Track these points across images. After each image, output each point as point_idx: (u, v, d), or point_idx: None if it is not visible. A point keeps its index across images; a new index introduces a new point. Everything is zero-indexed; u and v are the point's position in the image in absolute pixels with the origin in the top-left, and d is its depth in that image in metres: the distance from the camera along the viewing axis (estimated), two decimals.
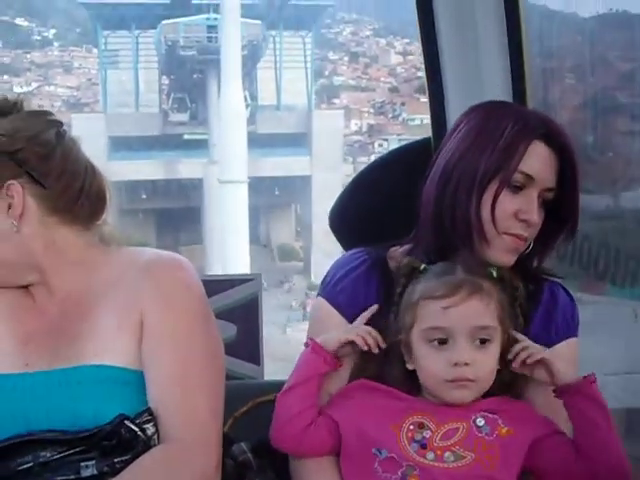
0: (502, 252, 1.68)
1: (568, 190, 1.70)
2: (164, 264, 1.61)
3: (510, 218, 1.67)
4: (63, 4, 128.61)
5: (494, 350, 1.63)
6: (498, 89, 2.05)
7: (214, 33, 38.58)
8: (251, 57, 42.32)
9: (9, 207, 1.59)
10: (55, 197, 1.61)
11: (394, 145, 76.92)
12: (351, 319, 1.70)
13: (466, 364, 1.59)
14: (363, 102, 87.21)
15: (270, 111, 46.65)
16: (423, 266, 1.65)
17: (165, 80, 47.33)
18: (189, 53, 40.44)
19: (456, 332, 1.58)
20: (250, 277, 2.48)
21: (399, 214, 1.76)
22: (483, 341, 1.61)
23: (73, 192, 1.63)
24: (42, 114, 1.67)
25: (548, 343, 1.73)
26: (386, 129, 76.01)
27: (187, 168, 42.64)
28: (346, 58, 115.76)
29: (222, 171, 33.82)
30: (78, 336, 1.57)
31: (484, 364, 1.62)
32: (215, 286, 2.16)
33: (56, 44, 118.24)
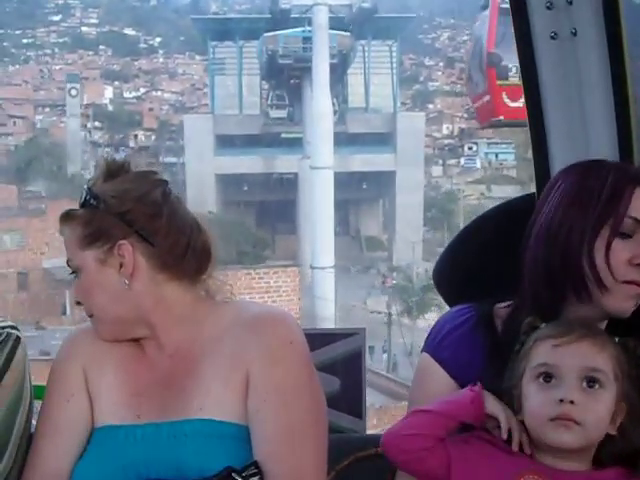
0: (622, 300, 1.68)
1: None
2: (269, 320, 1.64)
3: (625, 265, 1.67)
4: (168, 14, 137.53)
5: (605, 398, 1.56)
6: (604, 145, 2.02)
7: (309, 44, 44.20)
8: (341, 65, 48.62)
9: (121, 266, 1.67)
10: (163, 254, 1.69)
11: (483, 149, 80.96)
12: (455, 375, 1.72)
13: (572, 402, 1.54)
14: (457, 107, 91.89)
15: (359, 113, 52.83)
16: (543, 324, 1.64)
17: (265, 85, 54.03)
18: (287, 62, 47.13)
19: (565, 370, 1.56)
20: (354, 331, 2.50)
21: (504, 270, 1.77)
22: (592, 384, 1.56)
23: (180, 249, 1.70)
24: (148, 174, 1.77)
25: None
26: (477, 133, 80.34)
27: (284, 163, 48.94)
28: (442, 63, 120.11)
29: (313, 160, 39.81)
30: (186, 390, 1.63)
31: (592, 408, 1.55)
32: (319, 339, 2.22)
33: (161, 52, 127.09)
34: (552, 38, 2.11)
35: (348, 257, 49.91)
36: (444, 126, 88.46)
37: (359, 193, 54.84)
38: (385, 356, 34.00)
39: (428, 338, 1.80)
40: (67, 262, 1.74)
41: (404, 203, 50.34)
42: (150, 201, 1.72)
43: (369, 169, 50.70)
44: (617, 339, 1.64)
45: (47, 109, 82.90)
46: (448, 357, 1.73)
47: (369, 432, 2.46)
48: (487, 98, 18.49)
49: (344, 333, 2.49)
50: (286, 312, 1.73)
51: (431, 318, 37.69)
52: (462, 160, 78.97)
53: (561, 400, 1.55)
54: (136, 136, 75.45)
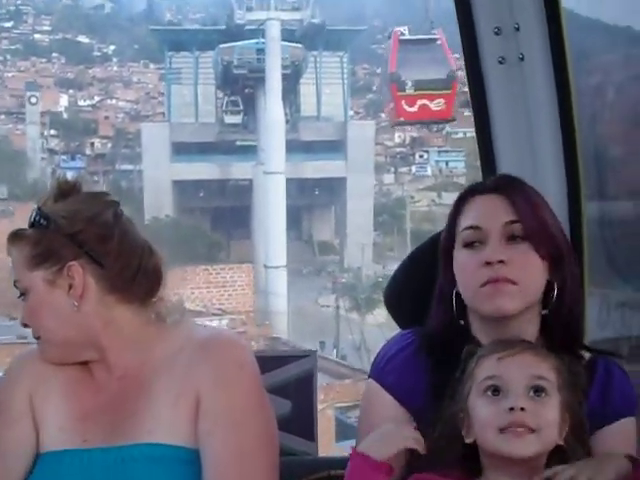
0: (485, 302, 1.71)
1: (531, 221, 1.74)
2: (220, 343, 1.64)
3: (474, 271, 1.72)
4: (122, 22, 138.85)
5: (552, 405, 1.59)
6: (550, 163, 2.13)
7: (262, 55, 47.36)
8: (294, 75, 51.20)
9: (70, 287, 1.64)
10: (114, 276, 1.66)
11: (434, 157, 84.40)
12: (401, 399, 1.72)
13: (522, 409, 1.56)
14: None
15: (311, 121, 55.33)
16: (479, 349, 1.67)
17: (220, 94, 56.14)
18: (241, 72, 49.23)
19: (511, 380, 1.58)
20: (305, 354, 2.53)
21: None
22: (539, 393, 1.59)
23: (130, 271, 1.67)
24: (100, 195, 1.73)
25: (604, 420, 1.75)
26: (428, 142, 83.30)
27: (239, 170, 51.13)
28: None
29: (266, 166, 42.35)
30: (134, 414, 1.61)
31: (543, 414, 1.57)
32: (270, 362, 2.23)
33: (115, 60, 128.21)
34: (500, 63, 2.20)
35: (301, 260, 52.22)
36: (396, 135, 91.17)
37: (312, 199, 57.21)
38: (335, 351, 36.48)
39: (373, 364, 1.83)
40: (14, 283, 1.72)
41: (355, 209, 52.96)
42: (101, 222, 1.71)
43: (321, 176, 53.15)
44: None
45: (2, 116, 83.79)
46: (393, 382, 1.74)
47: (321, 448, 2.49)
48: (392, 105, 28.05)
49: (295, 355, 2.49)
50: (237, 335, 1.77)
51: (379, 314, 40.60)
52: (413, 168, 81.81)
53: (511, 409, 1.56)
54: (92, 144, 76.83)
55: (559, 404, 1.63)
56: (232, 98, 52.60)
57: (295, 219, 56.23)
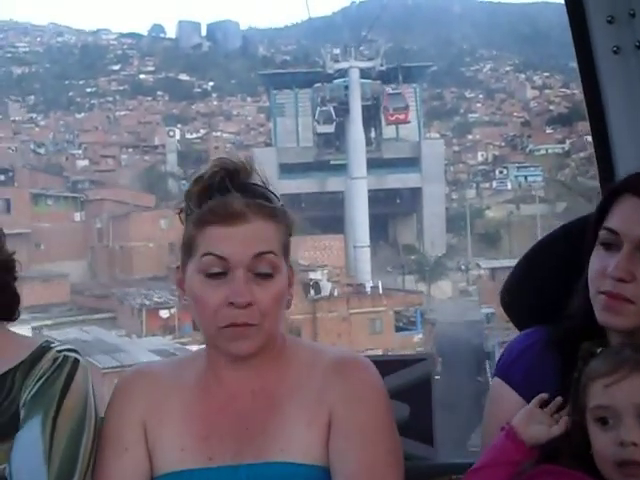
0: (599, 311, 1.72)
1: None
2: (351, 364, 1.72)
3: (599, 276, 1.73)
4: (218, 58, 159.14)
5: None
6: None
7: (348, 91, 65.54)
8: (374, 106, 69.06)
9: None
10: None
11: (513, 172, 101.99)
12: (528, 398, 1.75)
13: (634, 444, 1.55)
14: (495, 136, 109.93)
15: (391, 142, 72.69)
16: (600, 349, 1.68)
17: (315, 124, 73.94)
18: (331, 107, 67.54)
19: (621, 410, 1.57)
20: (423, 357, 2.62)
21: (572, 291, 1.84)
22: None
23: None
24: None
25: None
26: (508, 159, 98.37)
27: (333, 184, 68.46)
28: (481, 95, 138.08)
29: (352, 172, 60.08)
30: (264, 431, 1.67)
31: None
32: (388, 366, 2.24)
33: (214, 95, 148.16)
34: (615, 53, 2.16)
35: (387, 261, 68.72)
36: (479, 153, 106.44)
37: (394, 207, 74.31)
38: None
39: (499, 362, 1.89)
40: None
41: (430, 213, 69.68)
42: None
43: (400, 186, 70.19)
44: None
45: (130, 149, 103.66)
46: (520, 380, 1.80)
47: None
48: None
49: (413, 359, 2.57)
50: (364, 358, 1.80)
51: (442, 285, 57.26)
52: (494, 183, 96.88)
53: (621, 443, 1.57)
54: None
55: None
56: (323, 108, 69.57)
57: (382, 226, 73.13)
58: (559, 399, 1.71)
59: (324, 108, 68.83)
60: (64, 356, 1.69)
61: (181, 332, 31.73)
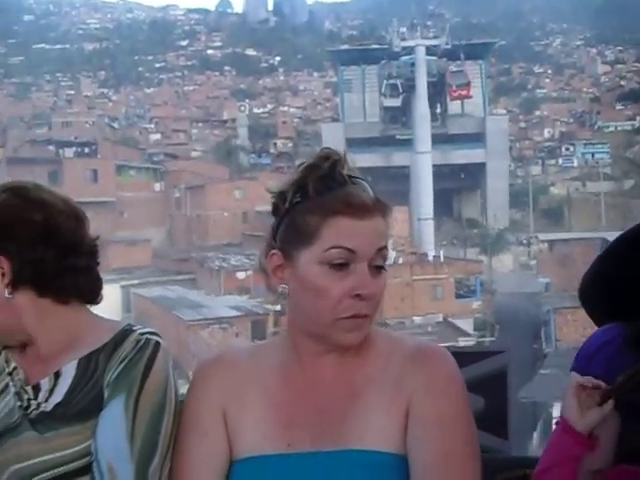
0: None
1: None
2: (429, 354, 1.72)
3: None
4: (285, 33, 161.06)
5: None
6: None
7: (414, 68, 67.90)
8: (440, 82, 71.36)
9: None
10: None
11: (580, 149, 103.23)
12: None
13: None
14: (563, 112, 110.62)
15: (456, 118, 74.69)
16: None
17: (382, 97, 76.44)
18: (399, 81, 69.96)
19: None
20: (499, 350, 2.60)
21: None
22: None
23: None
24: None
25: None
26: (575, 136, 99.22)
27: (398, 158, 70.99)
28: (550, 71, 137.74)
29: (417, 148, 62.68)
30: (344, 419, 1.69)
31: None
32: (464, 358, 2.20)
33: (281, 70, 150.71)
34: None
35: (452, 235, 71.16)
36: (545, 130, 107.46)
37: (459, 182, 76.55)
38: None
39: (577, 357, 1.87)
40: None
41: (493, 188, 71.83)
42: None
43: (465, 161, 72.40)
44: None
45: (200, 124, 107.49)
46: (601, 375, 1.76)
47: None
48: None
49: (489, 352, 2.59)
50: (443, 348, 1.83)
51: (504, 258, 59.59)
52: (560, 160, 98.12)
53: None
54: (275, 144, 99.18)
55: None
56: (390, 81, 71.96)
57: (446, 200, 75.47)
58: (589, 378, 1.72)
59: (391, 81, 71.44)
60: (146, 339, 1.73)
61: (256, 292, 34.66)
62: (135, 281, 38.08)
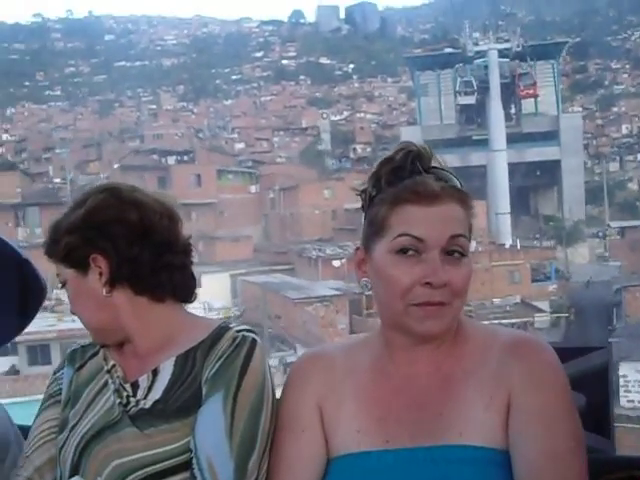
0: None
1: None
2: (531, 345, 1.69)
3: None
4: (358, 41, 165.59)
5: None
6: None
7: (488, 71, 72.81)
8: (512, 83, 76.15)
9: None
10: None
11: None
12: None
13: None
14: None
15: (530, 117, 78.88)
16: None
17: (457, 95, 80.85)
18: (472, 79, 74.98)
19: None
20: (601, 346, 2.55)
21: None
22: None
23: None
24: None
25: None
26: None
27: (474, 158, 75.12)
28: (628, 66, 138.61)
29: (493, 146, 67.16)
30: (442, 414, 1.67)
31: None
32: (565, 354, 2.11)
33: (355, 77, 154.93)
34: None
35: (530, 231, 74.86)
36: (623, 126, 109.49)
37: (535, 180, 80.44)
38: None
39: None
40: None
41: (569, 184, 75.48)
42: None
43: (540, 159, 76.33)
44: None
45: (281, 132, 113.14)
46: None
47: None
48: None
49: (590, 347, 2.51)
50: (542, 339, 1.76)
51: (580, 251, 63.29)
52: (639, 156, 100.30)
53: None
54: (354, 149, 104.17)
55: None
56: (465, 79, 76.55)
57: (523, 198, 79.31)
58: None
59: (465, 79, 75.93)
60: (242, 336, 1.74)
61: (350, 279, 39.36)
62: (243, 270, 43.58)
